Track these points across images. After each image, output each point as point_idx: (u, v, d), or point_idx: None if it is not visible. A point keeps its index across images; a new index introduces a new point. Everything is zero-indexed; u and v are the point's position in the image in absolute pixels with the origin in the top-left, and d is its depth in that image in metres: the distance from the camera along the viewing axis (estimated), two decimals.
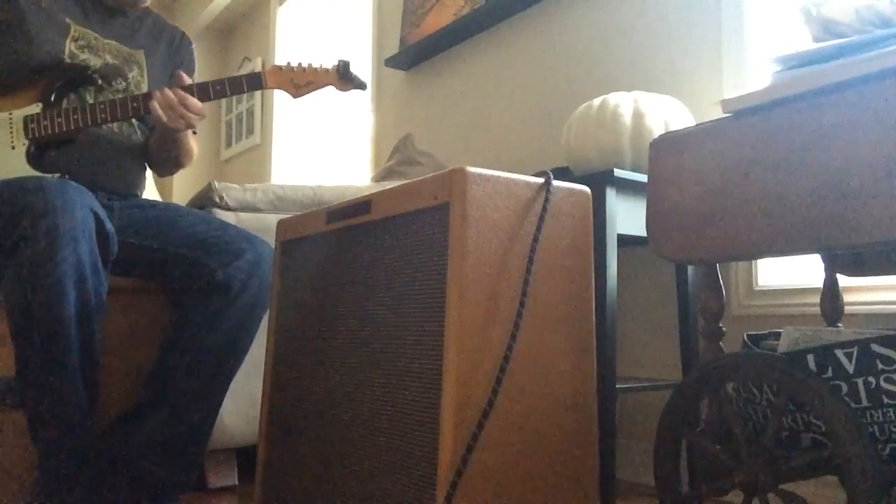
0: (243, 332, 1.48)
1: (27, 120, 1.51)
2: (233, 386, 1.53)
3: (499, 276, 0.96)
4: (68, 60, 1.57)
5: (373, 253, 1.11)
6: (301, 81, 1.58)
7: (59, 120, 1.51)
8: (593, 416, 1.04)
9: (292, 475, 1.24)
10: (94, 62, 1.61)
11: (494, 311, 0.95)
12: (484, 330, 0.94)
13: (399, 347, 1.02)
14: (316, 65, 1.59)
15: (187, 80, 1.55)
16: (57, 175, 1.49)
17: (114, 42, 1.66)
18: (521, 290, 0.97)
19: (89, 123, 1.52)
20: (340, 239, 1.20)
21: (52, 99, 1.53)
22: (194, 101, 1.52)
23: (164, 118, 1.50)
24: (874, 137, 0.88)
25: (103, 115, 1.52)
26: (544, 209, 1.00)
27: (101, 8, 1.67)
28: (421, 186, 1.01)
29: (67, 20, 1.60)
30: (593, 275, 1.06)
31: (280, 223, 1.39)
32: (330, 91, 1.63)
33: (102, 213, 1.33)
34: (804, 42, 1.08)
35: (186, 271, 1.48)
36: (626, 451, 1.90)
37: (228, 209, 1.77)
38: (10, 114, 1.52)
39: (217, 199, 1.76)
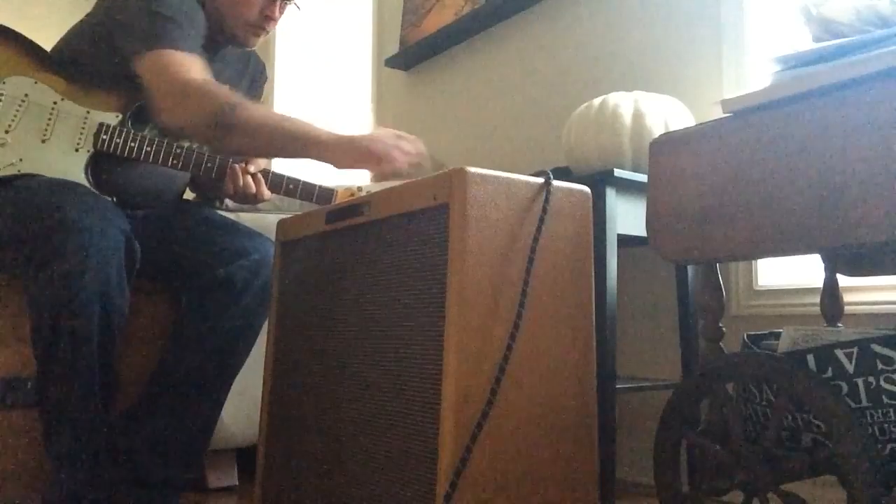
0: (246, 332, 1.48)
1: (101, 129, 1.46)
2: (233, 386, 1.53)
3: (499, 276, 0.96)
4: None
5: (372, 253, 1.11)
6: None
7: (132, 145, 1.46)
8: (593, 416, 1.04)
9: (292, 475, 1.24)
10: None
11: (494, 310, 0.95)
12: (484, 329, 0.94)
13: (399, 347, 1.02)
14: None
15: (262, 165, 1.55)
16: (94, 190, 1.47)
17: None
18: (521, 289, 0.97)
19: (158, 162, 1.48)
20: (340, 239, 1.20)
21: (132, 117, 1.49)
22: (265, 192, 1.53)
23: (232, 195, 1.52)
24: (874, 137, 0.88)
25: (175, 162, 1.48)
26: (544, 209, 1.00)
27: (210, 42, 1.60)
28: (421, 186, 1.01)
29: None
30: (593, 275, 1.06)
31: (280, 223, 1.39)
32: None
33: (131, 234, 1.33)
34: (804, 42, 1.08)
35: (188, 270, 1.48)
36: (626, 451, 1.90)
37: (228, 210, 1.77)
38: (88, 112, 1.47)
39: (217, 201, 1.76)
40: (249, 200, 1.55)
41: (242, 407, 1.71)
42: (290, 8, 1.63)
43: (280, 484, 1.28)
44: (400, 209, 1.05)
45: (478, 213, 0.95)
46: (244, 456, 1.87)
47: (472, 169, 0.96)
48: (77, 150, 1.46)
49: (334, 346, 1.18)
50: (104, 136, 1.46)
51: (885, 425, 0.93)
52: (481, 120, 2.59)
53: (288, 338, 1.32)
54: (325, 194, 1.56)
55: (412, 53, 2.85)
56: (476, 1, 2.54)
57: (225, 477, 1.79)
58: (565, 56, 2.27)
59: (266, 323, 1.47)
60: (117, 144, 1.46)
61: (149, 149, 1.47)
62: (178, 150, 1.48)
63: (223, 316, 1.44)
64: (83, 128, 1.46)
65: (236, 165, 1.51)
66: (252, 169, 1.53)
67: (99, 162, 1.47)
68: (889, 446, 0.94)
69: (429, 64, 2.89)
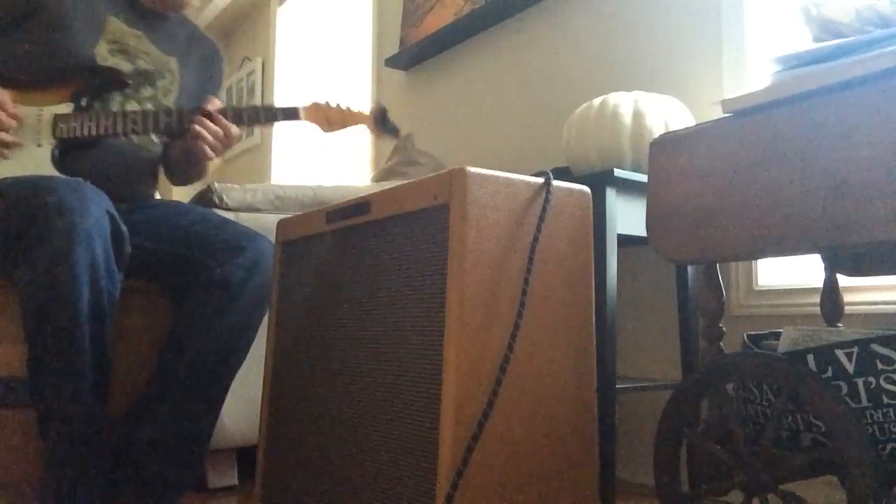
0: (244, 331, 1.48)
1: (56, 119, 1.50)
2: (233, 386, 1.53)
3: (499, 276, 0.96)
4: (99, 63, 1.56)
5: (373, 253, 1.11)
6: (336, 120, 1.59)
7: (90, 124, 1.49)
8: (593, 416, 1.04)
9: (292, 475, 1.24)
10: (126, 67, 1.60)
11: (494, 311, 0.95)
12: (484, 330, 0.93)
13: (399, 347, 1.02)
14: (354, 107, 1.61)
15: (219, 104, 1.55)
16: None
17: (151, 45, 1.65)
18: (521, 290, 0.97)
19: (119, 132, 1.50)
20: (340, 239, 1.20)
21: (84, 101, 1.52)
22: (235, 132, 1.53)
23: (204, 145, 1.51)
24: (874, 137, 0.88)
25: (134, 126, 1.50)
26: (544, 209, 1.00)
27: (143, 9, 1.65)
28: (421, 186, 1.01)
29: (110, 19, 1.59)
30: (593, 275, 1.06)
31: (280, 223, 1.39)
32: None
33: (117, 215, 1.33)
34: (804, 42, 1.08)
35: (185, 270, 1.48)
36: (626, 451, 1.90)
37: (228, 209, 1.77)
38: (41, 110, 1.50)
39: (217, 200, 1.76)
40: (221, 141, 1.54)
41: (242, 407, 1.71)
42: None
43: (280, 484, 1.28)
44: (400, 209, 1.05)
45: (478, 213, 0.95)
46: (244, 456, 1.87)
47: (472, 169, 0.96)
48: (39, 146, 1.49)
49: (334, 346, 1.18)
50: (62, 125, 1.50)
51: (885, 425, 0.93)
52: (481, 120, 2.59)
53: (288, 338, 1.32)
54: (290, 112, 1.56)
55: (412, 53, 2.85)
56: (476, 1, 2.54)
57: (225, 477, 1.79)
58: (565, 56, 2.27)
59: (266, 322, 1.47)
60: (75, 128, 1.49)
61: (106, 122, 1.50)
62: (135, 116, 1.51)
63: (220, 315, 1.44)
64: (40, 124, 1.50)
65: (201, 117, 1.51)
66: (210, 107, 1.53)
67: (65, 152, 1.50)
68: (889, 446, 0.94)
69: (428, 64, 2.89)
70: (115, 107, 1.57)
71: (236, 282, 1.45)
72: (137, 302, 1.60)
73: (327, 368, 1.19)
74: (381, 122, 1.60)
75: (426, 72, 2.91)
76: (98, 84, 1.54)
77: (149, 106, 1.61)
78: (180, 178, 1.77)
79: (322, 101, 1.59)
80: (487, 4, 2.46)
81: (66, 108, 1.51)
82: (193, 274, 1.47)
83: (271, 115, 1.56)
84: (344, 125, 1.60)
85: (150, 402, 1.44)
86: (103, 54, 1.57)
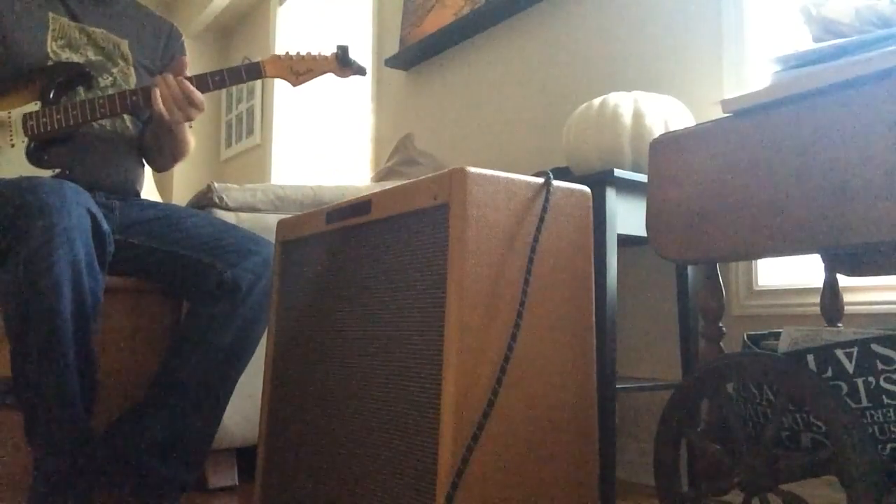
0: (250, 333, 1.48)
1: (26, 117, 1.51)
2: None
3: (499, 276, 0.96)
4: (52, 59, 1.56)
5: (373, 253, 1.11)
6: (300, 69, 1.58)
7: (58, 117, 1.51)
8: (593, 416, 1.04)
9: (292, 475, 1.24)
10: (77, 59, 1.60)
11: (494, 311, 0.95)
12: (484, 330, 0.93)
13: (399, 347, 1.02)
14: (315, 52, 1.60)
15: (186, 67, 1.55)
16: (57, 171, 1.50)
17: (98, 30, 1.65)
18: (521, 290, 0.97)
19: (88, 119, 1.51)
20: (340, 239, 1.20)
21: (51, 96, 1.53)
22: (198, 95, 1.51)
23: (166, 113, 1.50)
24: (874, 137, 0.88)
25: (103, 110, 1.52)
26: (544, 209, 1.00)
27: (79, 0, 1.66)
28: (421, 186, 1.01)
29: (49, 14, 1.60)
30: (593, 275, 1.06)
31: (280, 223, 1.39)
32: (330, 84, 1.63)
33: (99, 213, 1.33)
34: (804, 42, 1.08)
35: (193, 273, 1.48)
36: (626, 451, 1.90)
37: (228, 209, 1.77)
38: (9, 113, 1.52)
39: (217, 200, 1.76)
40: (187, 112, 1.52)
41: (242, 407, 1.71)
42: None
43: (280, 484, 1.28)
44: (400, 209, 1.05)
45: (478, 213, 0.95)
46: (244, 456, 1.87)
47: (472, 169, 0.96)
48: (13, 146, 1.50)
49: (334, 345, 1.18)
50: (31, 123, 1.51)
51: (885, 425, 0.93)
52: (481, 120, 2.59)
53: (288, 338, 1.32)
54: (253, 69, 1.56)
55: (412, 53, 2.85)
56: (476, 1, 2.54)
57: (225, 477, 1.79)
58: (565, 56, 2.27)
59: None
60: (45, 124, 1.51)
61: (75, 112, 1.51)
62: (101, 100, 1.52)
63: (228, 317, 1.44)
64: (9, 126, 1.51)
65: (160, 84, 1.50)
66: (173, 70, 1.53)
67: (42, 148, 1.51)
68: (889, 446, 0.94)
69: (428, 64, 2.89)
70: (79, 98, 1.57)
71: (245, 285, 1.45)
72: (138, 302, 1.60)
73: (327, 368, 1.19)
74: (345, 62, 1.58)
75: (426, 72, 2.91)
76: (60, 80, 1.55)
77: (111, 91, 1.61)
78: (157, 159, 1.74)
79: (283, 53, 1.59)
80: (487, 4, 2.46)
81: (34, 106, 1.52)
82: (201, 276, 1.47)
83: (235, 75, 1.56)
84: (309, 74, 1.58)
85: (154, 401, 1.44)
86: (54, 50, 1.58)
